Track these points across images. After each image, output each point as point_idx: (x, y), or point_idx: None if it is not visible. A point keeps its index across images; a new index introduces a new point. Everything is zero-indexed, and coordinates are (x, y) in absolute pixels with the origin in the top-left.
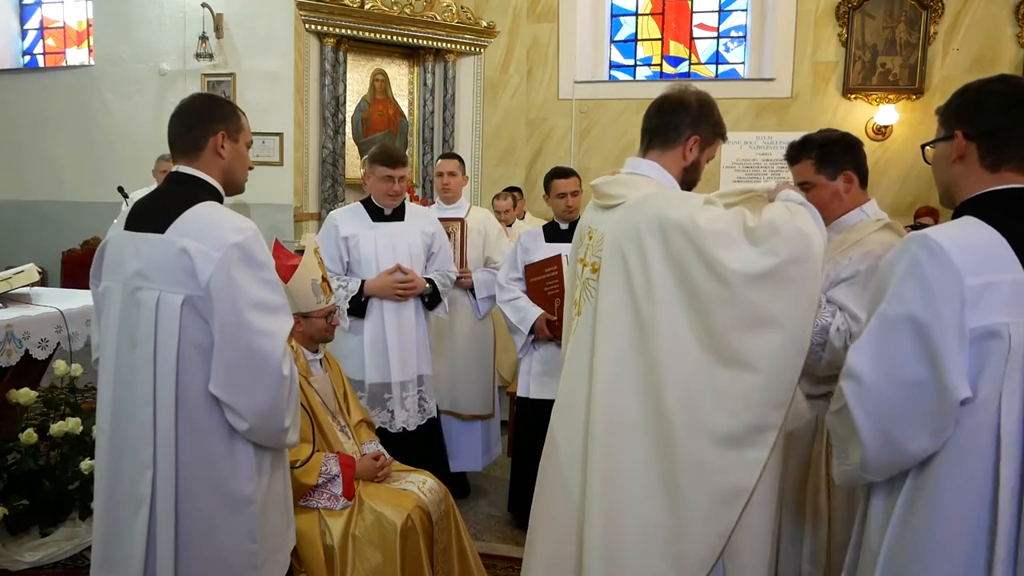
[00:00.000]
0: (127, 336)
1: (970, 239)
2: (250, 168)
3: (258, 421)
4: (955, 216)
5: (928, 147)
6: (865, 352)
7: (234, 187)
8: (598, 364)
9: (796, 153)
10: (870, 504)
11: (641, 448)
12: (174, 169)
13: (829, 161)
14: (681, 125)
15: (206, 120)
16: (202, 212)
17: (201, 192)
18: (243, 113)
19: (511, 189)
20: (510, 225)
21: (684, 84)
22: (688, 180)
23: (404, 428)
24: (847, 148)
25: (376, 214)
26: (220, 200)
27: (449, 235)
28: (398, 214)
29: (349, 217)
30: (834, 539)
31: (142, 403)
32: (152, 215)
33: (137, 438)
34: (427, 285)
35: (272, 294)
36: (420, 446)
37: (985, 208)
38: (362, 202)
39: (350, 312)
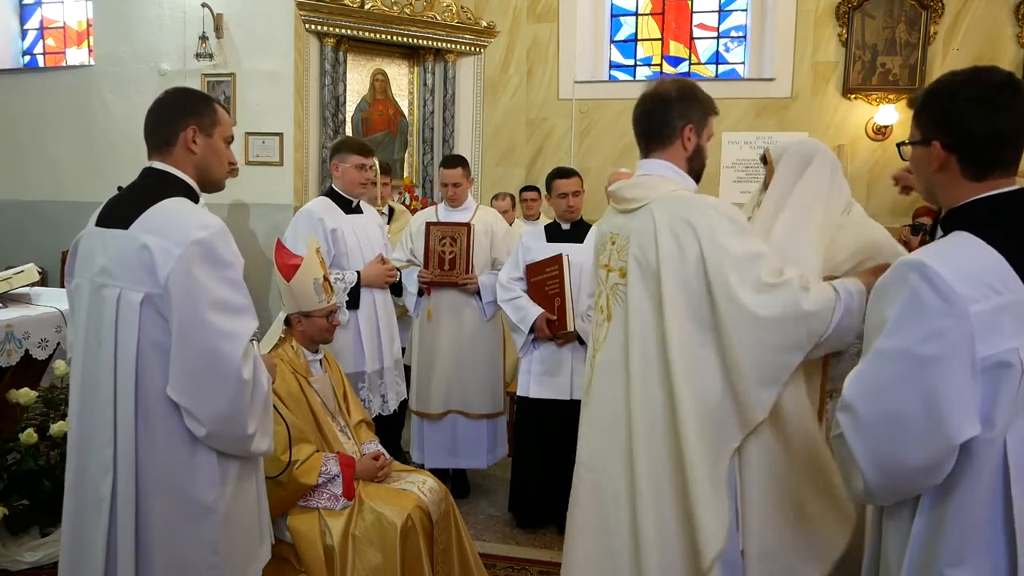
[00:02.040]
0: (94, 334)
1: (969, 262)
2: (232, 164)
3: (216, 427)
4: (942, 223)
5: (904, 146)
6: (862, 387)
7: (211, 184)
8: (632, 369)
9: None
10: (886, 524)
11: (668, 452)
12: (146, 165)
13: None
14: (671, 119)
15: (177, 115)
16: (167, 208)
17: (172, 188)
18: (221, 106)
19: (529, 188)
20: (509, 225)
21: (658, 79)
22: (696, 167)
23: (395, 410)
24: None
25: (345, 206)
26: (195, 197)
27: (455, 240)
28: (358, 207)
29: (326, 210)
30: None
31: (104, 403)
32: (119, 211)
33: (99, 440)
34: (398, 273)
35: (235, 294)
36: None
37: (977, 220)
38: (327, 195)
39: (347, 304)
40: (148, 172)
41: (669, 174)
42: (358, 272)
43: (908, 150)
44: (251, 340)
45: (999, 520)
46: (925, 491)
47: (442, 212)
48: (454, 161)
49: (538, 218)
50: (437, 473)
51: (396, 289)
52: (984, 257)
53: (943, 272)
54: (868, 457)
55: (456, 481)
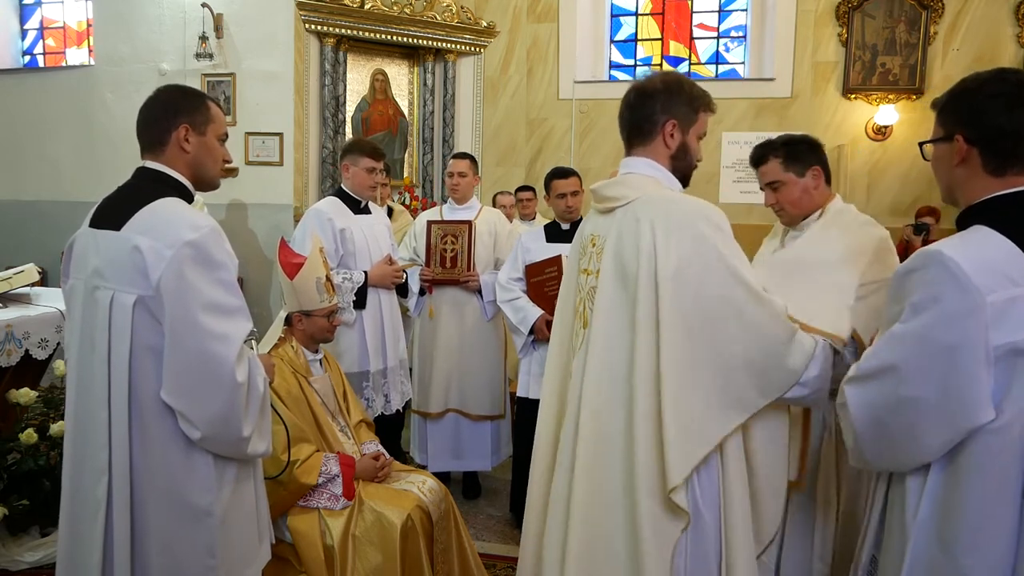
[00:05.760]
0: (88, 336)
1: (987, 254)
2: (228, 162)
3: (211, 430)
4: (961, 220)
5: (926, 145)
6: (875, 364)
7: (205, 183)
8: (588, 370)
9: (761, 153)
10: (893, 495)
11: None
12: (140, 164)
13: (796, 159)
14: (653, 113)
15: (168, 113)
16: (159, 208)
17: (165, 188)
18: (215, 103)
19: (525, 188)
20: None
21: (649, 73)
22: (681, 167)
23: (398, 410)
24: (811, 147)
25: (354, 207)
26: (188, 196)
27: (456, 238)
28: (366, 207)
29: (335, 210)
30: (840, 534)
31: (99, 406)
32: (111, 212)
33: (95, 442)
34: (404, 274)
35: (228, 296)
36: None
37: (996, 216)
38: (336, 195)
39: (353, 305)
40: (141, 172)
41: (653, 173)
42: (365, 272)
43: (930, 149)
44: (248, 341)
45: (1011, 505)
46: (917, 464)
47: (446, 211)
48: (463, 154)
49: (534, 218)
50: (440, 476)
51: (401, 290)
52: (1002, 249)
53: (961, 262)
54: (871, 434)
55: (467, 484)
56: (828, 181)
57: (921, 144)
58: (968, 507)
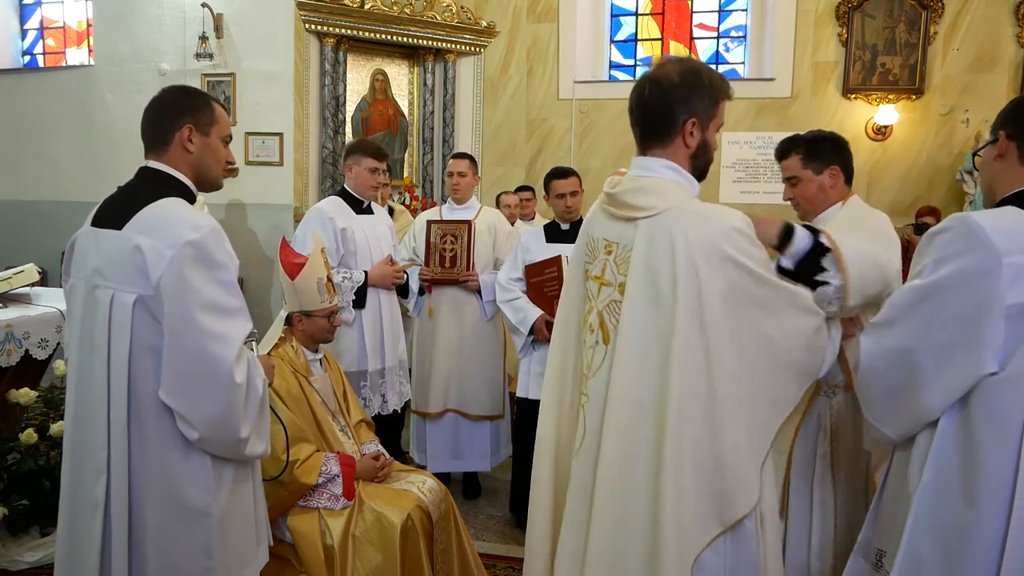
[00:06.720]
0: (88, 335)
1: (1011, 223)
2: (230, 163)
3: (209, 431)
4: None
5: (977, 156)
6: (892, 312)
7: (207, 183)
8: (614, 388)
9: (785, 148)
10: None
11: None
12: (143, 164)
13: (816, 156)
14: (672, 112)
15: (172, 114)
16: (160, 208)
17: (167, 188)
18: (219, 104)
19: (524, 188)
20: (512, 223)
21: (659, 62)
22: (700, 166)
23: (395, 410)
24: (835, 145)
25: (356, 206)
26: (191, 197)
27: (456, 238)
28: (368, 207)
29: (337, 210)
30: (839, 535)
31: (98, 405)
32: (113, 211)
33: (94, 442)
34: (405, 275)
35: (228, 296)
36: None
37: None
38: (339, 195)
39: (352, 304)
40: (143, 172)
41: (675, 177)
42: (365, 272)
43: (979, 159)
44: (248, 342)
45: (1013, 456)
46: (918, 420)
47: (446, 211)
48: (462, 154)
49: (533, 218)
50: (440, 476)
51: (402, 291)
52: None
53: (984, 225)
54: (876, 377)
55: (467, 484)
56: (849, 180)
57: (973, 153)
58: (981, 459)
